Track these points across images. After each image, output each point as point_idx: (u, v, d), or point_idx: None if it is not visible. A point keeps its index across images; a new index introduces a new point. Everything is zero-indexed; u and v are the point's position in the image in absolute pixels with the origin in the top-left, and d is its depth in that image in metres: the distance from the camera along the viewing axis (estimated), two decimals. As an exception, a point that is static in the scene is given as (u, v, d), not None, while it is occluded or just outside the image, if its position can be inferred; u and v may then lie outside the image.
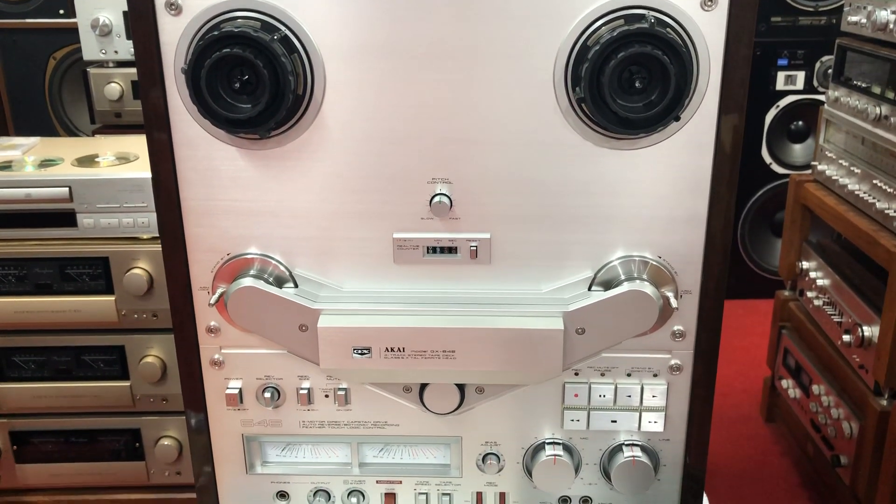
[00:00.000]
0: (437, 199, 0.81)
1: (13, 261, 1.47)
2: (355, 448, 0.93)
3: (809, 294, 1.87)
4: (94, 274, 1.48)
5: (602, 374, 0.88)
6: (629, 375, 0.88)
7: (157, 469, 1.60)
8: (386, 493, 0.94)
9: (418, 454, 0.93)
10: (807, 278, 1.88)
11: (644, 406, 0.88)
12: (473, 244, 0.83)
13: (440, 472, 0.93)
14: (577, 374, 0.88)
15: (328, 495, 0.94)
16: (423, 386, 0.88)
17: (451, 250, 0.84)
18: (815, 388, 1.81)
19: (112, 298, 1.48)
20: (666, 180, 0.80)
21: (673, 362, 0.87)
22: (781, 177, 2.80)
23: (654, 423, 0.89)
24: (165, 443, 1.57)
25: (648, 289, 0.82)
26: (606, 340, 0.84)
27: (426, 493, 0.93)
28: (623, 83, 0.74)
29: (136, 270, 1.47)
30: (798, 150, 2.85)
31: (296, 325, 0.84)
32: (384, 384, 0.88)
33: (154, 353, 1.53)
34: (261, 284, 0.83)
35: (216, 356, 0.89)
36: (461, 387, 0.87)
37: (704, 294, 0.84)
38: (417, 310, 0.84)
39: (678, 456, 0.91)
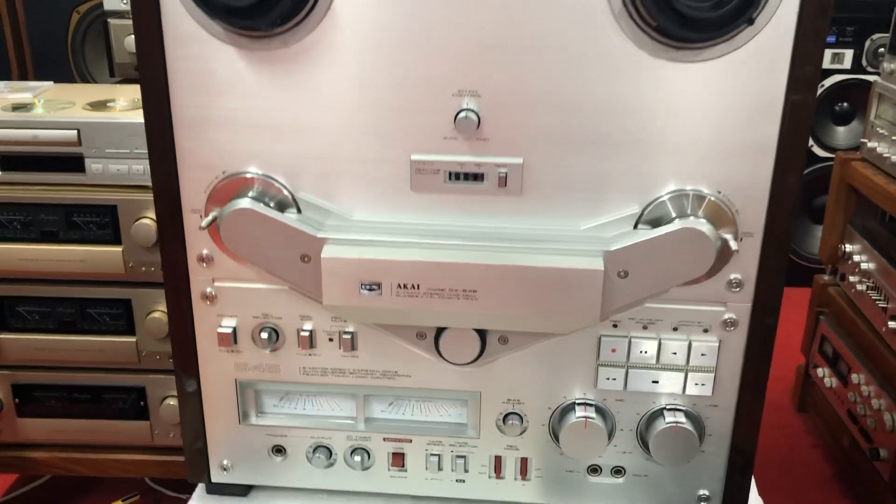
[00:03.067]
0: (462, 114, 0.70)
1: (19, 205, 1.41)
2: (361, 401, 0.83)
3: (852, 278, 1.80)
4: (102, 223, 1.42)
5: (644, 328, 0.77)
6: (676, 330, 0.77)
7: (161, 429, 1.54)
8: (393, 453, 0.83)
9: (431, 411, 0.83)
10: (850, 262, 1.81)
11: (691, 366, 0.77)
12: (503, 170, 0.72)
13: (455, 432, 0.83)
14: (615, 325, 0.77)
15: (329, 452, 0.84)
16: (440, 332, 0.77)
17: (477, 177, 0.73)
18: (853, 377, 1.75)
19: (119, 249, 1.41)
20: (731, 100, 0.69)
21: (727, 316, 0.76)
22: (823, 160, 2.69)
23: (701, 385, 0.78)
24: (171, 402, 1.49)
25: (705, 227, 0.70)
26: (653, 286, 0.73)
27: (438, 455, 0.83)
28: (689, -24, 0.63)
29: (144, 220, 1.40)
30: (842, 133, 2.74)
31: (297, 254, 0.74)
32: (395, 328, 0.78)
33: (161, 308, 1.45)
34: (259, 207, 0.73)
35: (208, 289, 0.79)
36: (482, 334, 0.77)
37: (769, 237, 0.73)
38: (436, 242, 0.73)
39: (727, 426, 0.80)
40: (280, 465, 0.85)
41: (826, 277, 1.96)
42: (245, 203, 0.73)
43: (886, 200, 1.63)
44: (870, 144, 1.77)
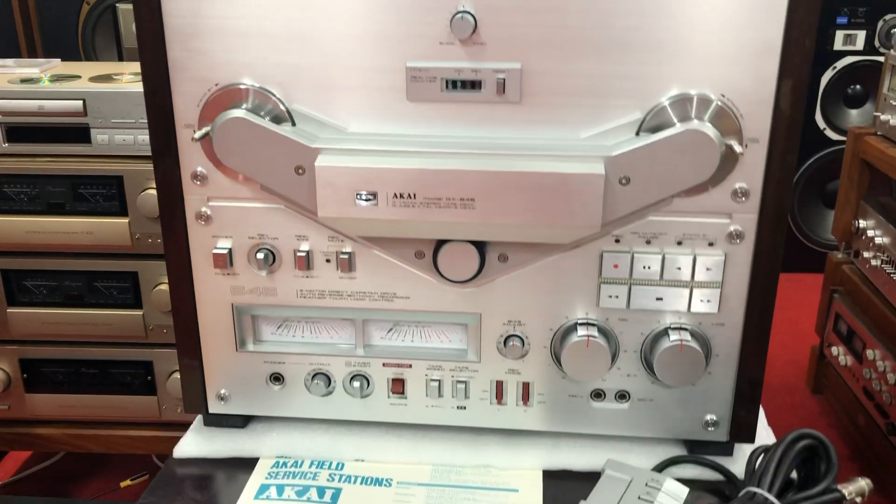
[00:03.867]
0: (458, 16, 0.69)
1: (25, 177, 1.41)
2: (360, 326, 0.81)
3: (866, 254, 1.79)
4: (108, 194, 1.41)
5: (647, 242, 0.75)
6: (680, 244, 0.75)
7: (169, 405, 1.52)
8: (393, 379, 0.82)
9: (431, 337, 0.81)
10: (864, 237, 1.80)
11: (696, 281, 0.75)
12: (501, 76, 0.70)
13: (455, 357, 0.81)
14: (617, 241, 0.75)
15: (328, 379, 0.82)
16: (438, 248, 0.75)
17: (475, 85, 0.71)
18: (868, 354, 1.73)
19: (126, 220, 1.41)
20: (734, -3, 0.67)
21: (733, 228, 0.74)
22: (836, 143, 2.65)
23: (707, 302, 0.75)
24: (178, 377, 1.48)
25: (709, 129, 0.68)
26: (655, 193, 0.71)
27: (439, 381, 0.81)
28: None
29: (151, 191, 1.40)
30: (855, 116, 2.71)
31: (291, 166, 0.72)
32: (393, 246, 0.76)
33: (168, 280, 1.45)
34: (253, 117, 0.72)
35: (203, 209, 0.78)
36: (481, 249, 0.75)
37: (775, 143, 0.71)
38: (432, 151, 0.71)
39: (733, 346, 0.77)
40: (278, 394, 0.84)
41: (840, 255, 1.93)
42: (239, 113, 0.72)
43: (901, 174, 1.61)
44: (883, 117, 1.74)
